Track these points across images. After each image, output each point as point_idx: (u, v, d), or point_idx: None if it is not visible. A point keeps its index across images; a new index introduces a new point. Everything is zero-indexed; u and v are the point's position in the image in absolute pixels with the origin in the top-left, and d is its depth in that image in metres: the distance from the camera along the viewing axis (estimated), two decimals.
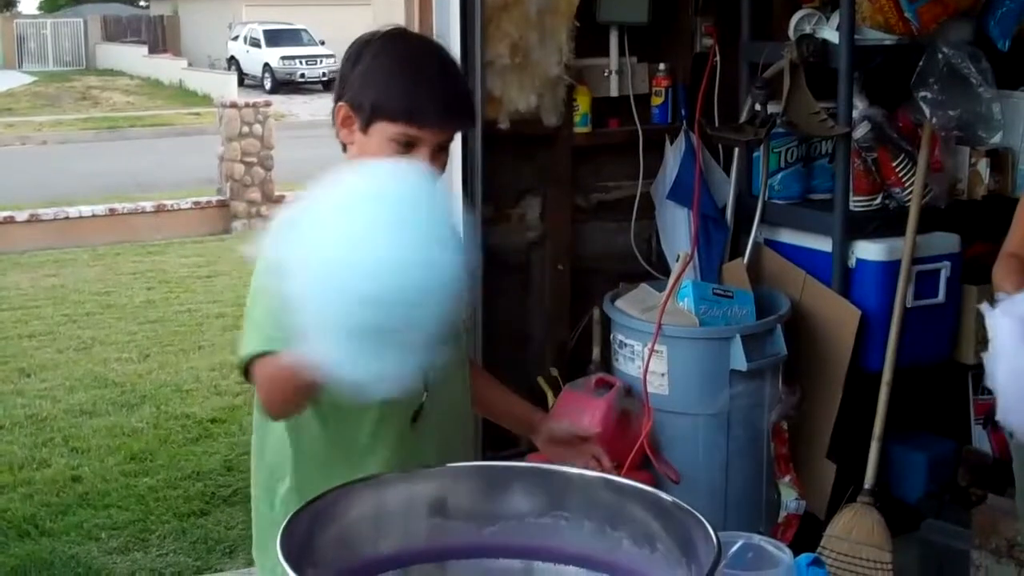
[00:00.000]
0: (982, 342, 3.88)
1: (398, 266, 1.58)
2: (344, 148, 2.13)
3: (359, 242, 1.58)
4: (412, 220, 1.61)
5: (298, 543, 1.60)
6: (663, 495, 1.73)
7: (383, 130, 2.03)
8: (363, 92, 2.04)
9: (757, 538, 1.93)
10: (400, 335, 1.60)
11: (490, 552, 1.80)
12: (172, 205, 12.55)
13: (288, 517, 1.63)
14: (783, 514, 3.73)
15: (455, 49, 3.73)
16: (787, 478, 3.74)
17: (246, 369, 1.97)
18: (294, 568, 1.51)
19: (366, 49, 2.07)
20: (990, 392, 4.12)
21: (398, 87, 2.02)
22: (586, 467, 2.05)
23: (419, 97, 2.02)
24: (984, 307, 1.86)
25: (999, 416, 1.86)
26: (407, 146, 2.03)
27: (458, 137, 3.80)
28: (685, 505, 1.68)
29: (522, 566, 1.80)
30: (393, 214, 1.61)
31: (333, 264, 1.58)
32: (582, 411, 3.63)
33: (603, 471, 2.03)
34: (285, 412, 2.01)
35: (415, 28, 3.82)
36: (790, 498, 3.72)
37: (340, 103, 2.09)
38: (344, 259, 1.58)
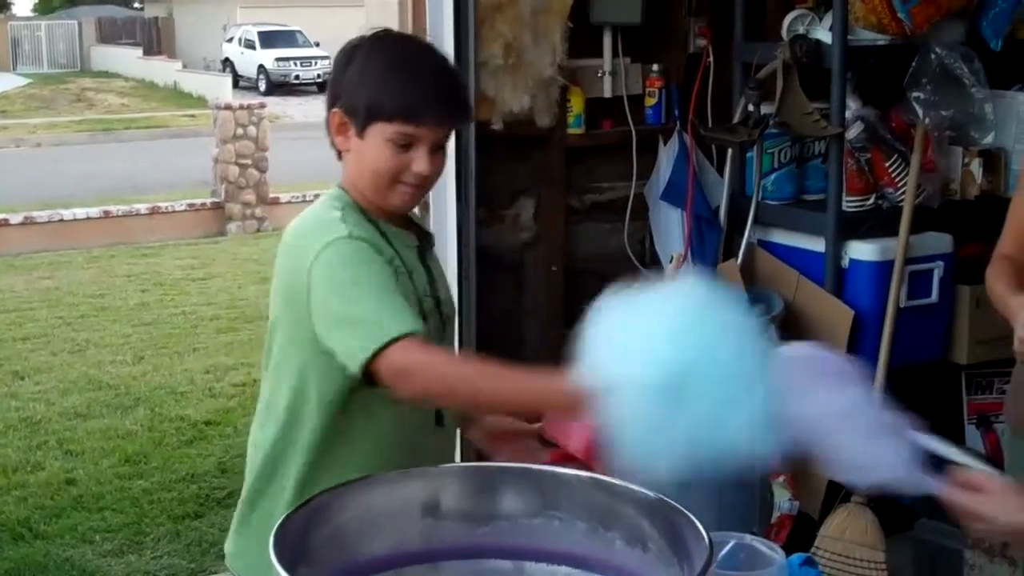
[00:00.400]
0: (978, 342, 3.92)
1: (746, 416, 1.58)
2: (339, 156, 2.12)
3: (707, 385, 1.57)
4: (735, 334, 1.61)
5: (291, 544, 1.60)
6: (655, 495, 1.73)
7: (380, 131, 2.03)
8: (357, 95, 2.04)
9: (749, 538, 1.93)
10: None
11: (483, 553, 1.81)
12: (167, 207, 12.56)
13: (281, 518, 1.63)
14: (776, 515, 3.73)
15: (448, 50, 3.72)
16: (781, 478, 3.74)
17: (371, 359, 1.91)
18: (287, 569, 1.51)
19: (356, 53, 2.07)
20: (983, 392, 4.17)
21: (393, 86, 2.02)
22: (524, 462, 2.00)
23: (415, 95, 2.02)
24: None
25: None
26: (405, 146, 2.03)
27: (452, 138, 3.83)
28: (677, 505, 1.68)
29: (515, 567, 1.80)
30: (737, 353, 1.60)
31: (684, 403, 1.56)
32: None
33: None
34: (434, 402, 2.04)
35: (408, 29, 3.83)
36: (783, 499, 3.72)
37: (334, 110, 2.08)
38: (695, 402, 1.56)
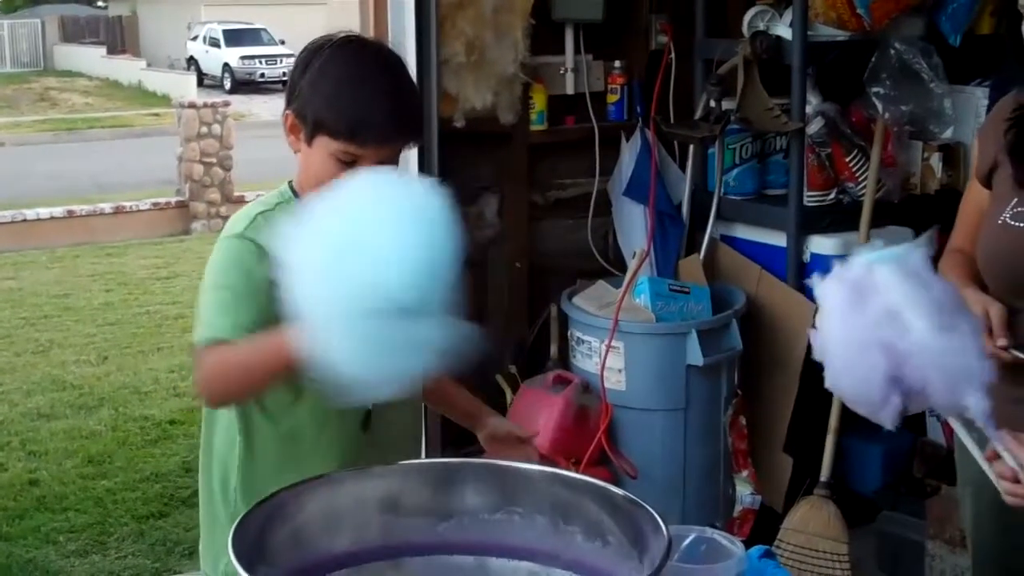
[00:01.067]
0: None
1: (407, 262, 1.61)
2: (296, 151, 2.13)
3: (370, 240, 1.61)
4: (418, 220, 1.65)
5: (250, 542, 1.60)
6: (614, 489, 1.74)
7: (325, 145, 2.01)
8: (308, 104, 2.02)
9: (710, 531, 1.94)
10: (405, 332, 1.62)
11: (444, 548, 1.81)
12: (131, 206, 12.49)
13: (239, 516, 1.63)
14: (739, 508, 3.75)
15: (410, 48, 3.72)
16: (744, 473, 3.77)
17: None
18: (246, 568, 1.51)
19: (315, 58, 2.05)
20: None
21: (340, 103, 1.99)
22: None
23: (360, 115, 1.99)
24: (815, 278, 1.88)
25: (829, 383, 1.89)
26: (349, 163, 2.01)
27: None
28: (636, 499, 1.69)
29: (476, 562, 1.80)
30: (399, 214, 1.64)
31: (348, 260, 1.60)
32: (540, 408, 3.65)
33: None
34: (226, 400, 2.04)
35: (370, 27, 3.83)
36: (745, 492, 3.75)
37: (287, 111, 2.07)
38: (358, 255, 1.60)
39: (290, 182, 2.13)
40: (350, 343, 1.63)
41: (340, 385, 1.65)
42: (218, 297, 2.00)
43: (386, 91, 2.03)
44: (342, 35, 2.09)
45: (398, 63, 2.11)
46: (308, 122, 2.03)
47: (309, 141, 2.04)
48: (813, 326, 1.91)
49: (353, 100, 2.00)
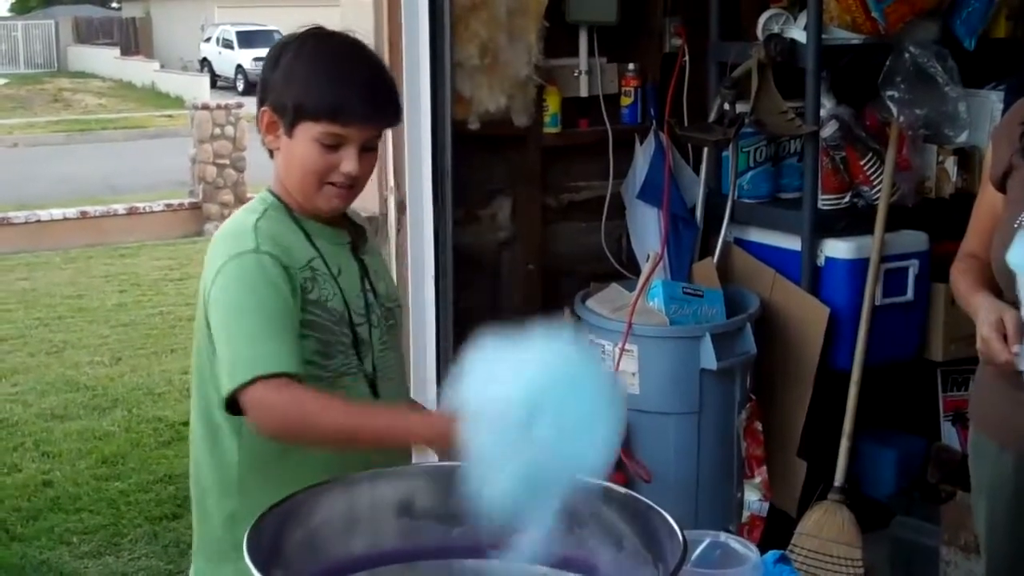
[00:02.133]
0: (953, 339, 3.95)
1: (597, 452, 1.65)
2: (271, 155, 2.11)
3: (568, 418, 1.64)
4: (609, 405, 1.68)
5: (265, 545, 1.60)
6: (629, 493, 1.74)
7: (308, 131, 2.01)
8: (285, 94, 2.03)
9: (724, 536, 1.93)
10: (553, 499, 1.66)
11: (458, 552, 1.81)
12: (144, 208, 12.51)
13: (255, 520, 1.63)
14: (746, 514, 3.74)
15: (424, 50, 3.73)
16: (758, 479, 3.76)
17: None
18: (262, 571, 1.51)
19: (285, 51, 2.06)
20: (959, 389, 4.19)
21: (320, 85, 2.00)
22: None
23: (342, 94, 2.00)
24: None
25: None
26: (333, 146, 2.02)
27: (428, 138, 3.83)
28: (651, 503, 1.69)
29: (491, 566, 1.80)
30: (594, 396, 1.67)
31: (541, 429, 1.63)
32: None
33: None
34: (294, 441, 1.97)
35: (383, 29, 3.83)
36: (753, 498, 3.73)
37: (263, 108, 2.07)
38: (554, 428, 1.63)
39: (268, 188, 2.12)
40: (509, 490, 1.64)
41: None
42: (251, 322, 1.94)
43: (362, 71, 2.05)
44: (307, 28, 2.10)
45: (368, 49, 2.12)
46: (288, 111, 2.02)
47: (290, 131, 2.03)
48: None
49: (331, 81, 2.01)
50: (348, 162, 2.03)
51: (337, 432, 1.91)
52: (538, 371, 1.65)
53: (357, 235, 2.17)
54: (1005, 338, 2.24)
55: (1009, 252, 2.27)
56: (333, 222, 2.13)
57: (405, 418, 1.97)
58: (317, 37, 2.09)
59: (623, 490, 1.75)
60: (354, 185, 2.07)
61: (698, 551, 1.89)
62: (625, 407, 1.74)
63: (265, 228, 2.02)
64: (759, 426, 3.76)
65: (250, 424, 1.94)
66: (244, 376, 1.89)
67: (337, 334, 2.05)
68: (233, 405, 1.94)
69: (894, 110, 3.84)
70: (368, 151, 2.06)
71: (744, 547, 1.91)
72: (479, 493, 1.63)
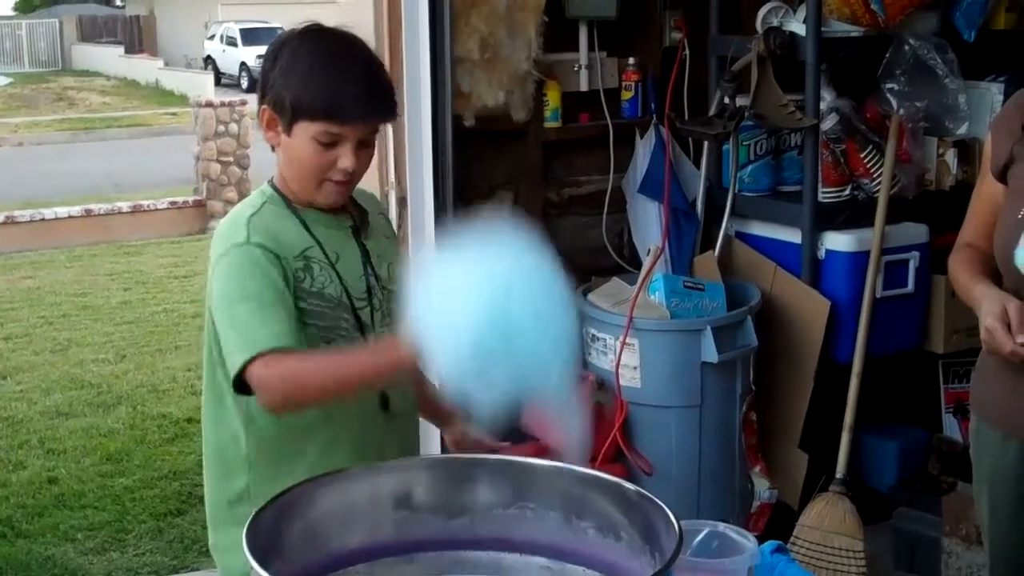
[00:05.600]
0: (954, 331, 3.95)
1: (530, 323, 1.67)
2: (273, 149, 2.14)
3: (503, 305, 1.67)
4: (541, 285, 1.72)
5: (265, 538, 1.61)
6: (626, 485, 1.75)
7: (305, 130, 2.05)
8: (282, 93, 2.06)
9: (722, 526, 1.94)
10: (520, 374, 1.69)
11: (457, 544, 1.82)
12: (149, 205, 12.52)
13: (253, 512, 1.64)
14: (756, 504, 3.75)
15: (423, 46, 3.73)
16: (757, 468, 3.77)
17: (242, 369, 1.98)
18: (261, 563, 1.52)
19: (283, 49, 2.09)
20: (960, 381, 4.19)
21: (316, 84, 2.03)
22: None
23: (337, 93, 2.03)
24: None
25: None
26: (330, 144, 2.05)
27: (428, 133, 3.83)
28: (648, 494, 1.69)
29: (489, 557, 1.81)
30: (527, 281, 1.70)
31: (482, 322, 1.66)
32: None
33: None
34: (297, 408, 2.05)
35: (383, 25, 3.83)
36: (763, 488, 3.75)
37: (263, 106, 2.10)
38: (489, 317, 1.66)
39: (270, 180, 2.16)
40: (485, 393, 1.69)
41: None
42: (246, 309, 2.00)
43: (358, 69, 2.07)
44: (304, 25, 2.13)
45: (364, 45, 2.15)
46: (286, 109, 2.06)
47: (288, 130, 2.07)
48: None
49: (327, 79, 2.04)
50: (345, 159, 2.06)
51: (329, 389, 1.99)
52: (489, 282, 1.69)
53: (360, 218, 2.19)
54: (1009, 327, 2.24)
55: (1017, 253, 2.29)
56: (334, 208, 2.16)
57: (372, 354, 2.01)
58: (312, 35, 2.11)
59: (620, 481, 1.76)
60: (351, 180, 2.11)
61: (696, 541, 1.90)
62: (573, 305, 1.77)
63: (258, 222, 2.07)
64: (754, 416, 3.77)
65: (259, 404, 2.02)
66: (242, 359, 1.97)
67: (336, 319, 2.10)
68: (241, 387, 2.01)
69: (894, 102, 3.85)
70: (365, 146, 2.09)
71: (742, 537, 1.92)
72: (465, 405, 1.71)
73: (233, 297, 2.02)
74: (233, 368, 1.99)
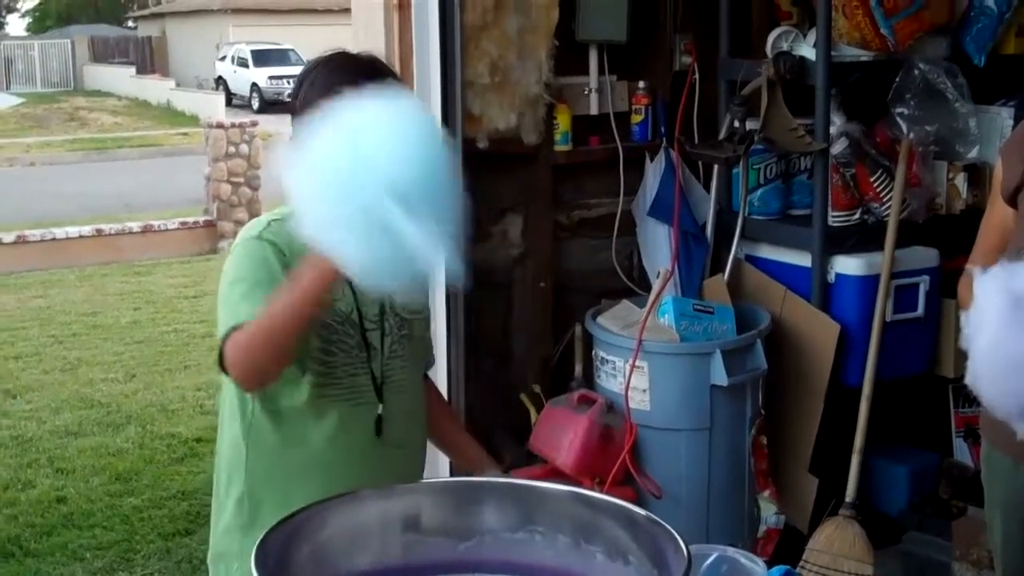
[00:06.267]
0: (965, 355, 3.94)
1: (412, 162, 1.72)
2: None
3: (370, 143, 1.71)
4: (417, 129, 1.77)
5: (273, 560, 1.61)
6: (635, 508, 1.74)
7: None
8: (308, 114, 2.08)
9: (731, 551, 1.94)
10: (411, 222, 1.71)
11: (465, 567, 1.81)
12: (159, 226, 12.56)
13: (263, 533, 1.64)
14: (763, 528, 3.74)
15: (434, 69, 3.74)
16: (766, 492, 3.76)
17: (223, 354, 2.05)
18: None
19: (308, 74, 2.18)
20: (971, 405, 4.18)
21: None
22: None
23: None
24: (975, 271, 1.89)
25: (968, 379, 1.91)
26: None
27: None
28: (656, 518, 1.69)
29: None
30: (401, 124, 1.76)
31: (357, 162, 1.70)
32: (565, 427, 3.65)
33: None
34: (258, 374, 2.07)
35: (394, 48, 3.85)
36: (770, 512, 3.74)
37: (293, 125, 2.17)
38: (364, 158, 1.70)
39: None
40: (353, 237, 1.72)
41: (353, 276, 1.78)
42: (238, 289, 2.08)
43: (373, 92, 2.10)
44: (331, 51, 2.21)
45: (387, 70, 2.22)
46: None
47: None
48: (960, 328, 1.90)
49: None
50: None
51: (274, 329, 1.99)
52: (340, 122, 1.75)
53: None
54: None
55: None
56: None
57: (292, 276, 2.00)
58: (337, 59, 2.19)
59: (629, 505, 1.76)
60: None
61: (705, 565, 1.89)
62: (437, 137, 1.82)
63: (277, 226, 2.14)
64: (764, 440, 3.76)
65: (232, 380, 2.09)
66: (220, 335, 2.05)
67: (340, 333, 2.15)
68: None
69: (904, 127, 3.85)
70: None
71: (751, 562, 1.91)
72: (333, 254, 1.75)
73: (230, 280, 2.10)
74: (218, 347, 2.06)
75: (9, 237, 11.80)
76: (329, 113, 1.77)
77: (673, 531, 1.64)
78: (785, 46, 3.88)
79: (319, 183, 1.72)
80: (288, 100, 2.34)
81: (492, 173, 3.98)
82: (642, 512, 1.73)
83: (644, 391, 3.64)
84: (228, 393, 2.21)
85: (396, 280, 1.78)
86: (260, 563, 1.56)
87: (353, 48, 2.27)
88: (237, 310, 2.05)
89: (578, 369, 3.98)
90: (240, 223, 12.62)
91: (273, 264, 2.09)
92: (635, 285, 4.18)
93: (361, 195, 1.68)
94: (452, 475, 3.54)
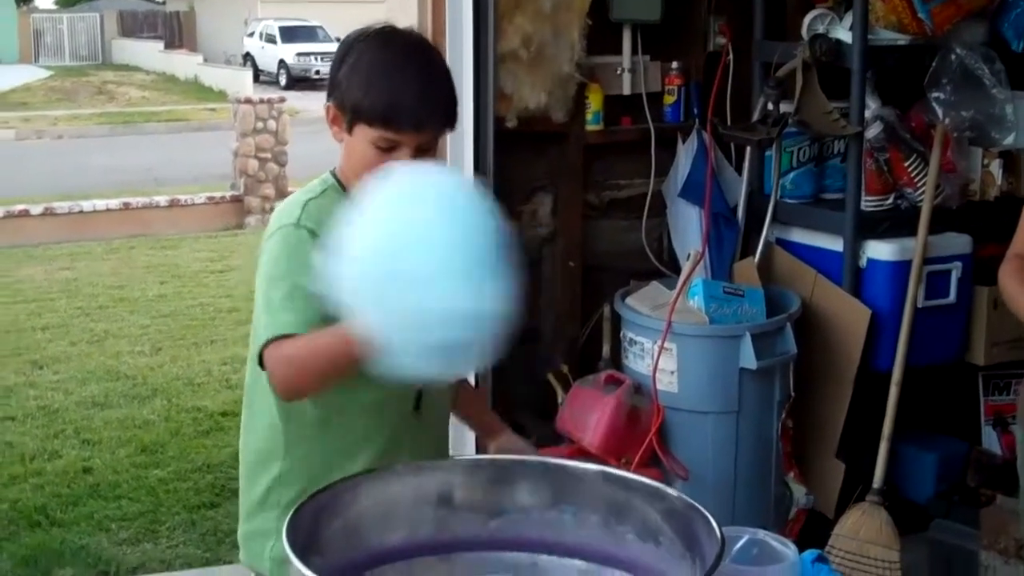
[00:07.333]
0: (995, 343, 3.92)
1: (456, 283, 1.71)
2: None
3: (419, 258, 1.70)
4: (466, 225, 1.76)
5: (304, 533, 1.61)
6: (668, 489, 1.74)
7: (364, 133, 2.06)
8: (345, 94, 2.08)
9: (762, 533, 1.93)
10: (466, 350, 1.75)
11: (496, 545, 1.82)
12: (186, 200, 12.60)
13: (294, 508, 1.64)
14: (793, 509, 3.73)
15: (467, 45, 3.73)
16: (791, 475, 3.75)
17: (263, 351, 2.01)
18: (300, 558, 1.52)
19: (352, 50, 2.10)
20: (1001, 393, 4.16)
21: (376, 91, 2.04)
22: None
23: (395, 101, 2.03)
24: None
25: None
26: (388, 149, 2.05)
27: (470, 134, 3.83)
28: (689, 500, 1.69)
29: (528, 559, 1.81)
30: (446, 220, 1.74)
31: (398, 283, 1.69)
32: (592, 408, 3.64)
33: None
34: (299, 393, 2.05)
35: (427, 23, 3.83)
36: (800, 493, 3.72)
37: (328, 103, 2.12)
38: (409, 280, 1.69)
39: (332, 170, 2.19)
40: (404, 352, 1.73)
41: (398, 375, 1.76)
42: (278, 291, 2.02)
43: (418, 77, 2.07)
44: (376, 26, 2.13)
45: (430, 50, 2.17)
46: (347, 111, 2.08)
47: (349, 130, 2.09)
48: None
49: (385, 87, 2.04)
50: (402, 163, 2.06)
51: (309, 367, 1.98)
52: (387, 220, 1.74)
53: None
54: None
55: None
56: None
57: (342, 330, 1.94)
58: (381, 37, 2.11)
59: (662, 486, 1.75)
60: None
61: (736, 548, 1.89)
62: (495, 228, 1.81)
63: (314, 207, 2.09)
64: (790, 424, 3.75)
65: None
66: (261, 341, 2.00)
67: None
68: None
69: (939, 112, 3.81)
70: (425, 151, 2.08)
71: (782, 545, 1.90)
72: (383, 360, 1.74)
73: (270, 277, 2.04)
74: (255, 348, 2.02)
75: (37, 209, 11.86)
76: (374, 200, 1.76)
77: (707, 513, 1.63)
78: (821, 28, 3.85)
79: (351, 265, 1.74)
80: (315, 77, 2.30)
81: (522, 151, 3.97)
82: (675, 493, 1.72)
83: (672, 373, 3.62)
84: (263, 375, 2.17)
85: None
86: (291, 535, 1.56)
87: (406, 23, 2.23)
88: (279, 319, 1.99)
89: (606, 350, 3.97)
90: (267, 199, 12.66)
91: (312, 258, 2.01)
92: (664, 267, 4.16)
93: (398, 287, 1.70)
94: (477, 452, 3.55)
